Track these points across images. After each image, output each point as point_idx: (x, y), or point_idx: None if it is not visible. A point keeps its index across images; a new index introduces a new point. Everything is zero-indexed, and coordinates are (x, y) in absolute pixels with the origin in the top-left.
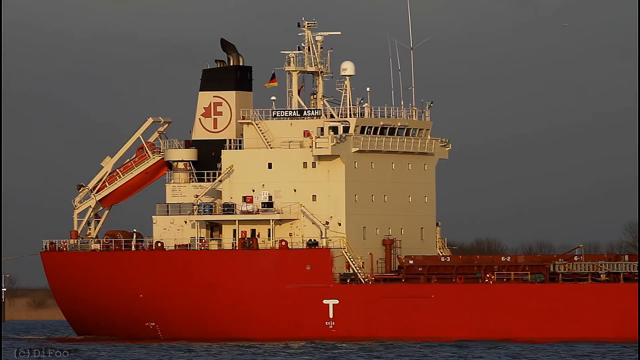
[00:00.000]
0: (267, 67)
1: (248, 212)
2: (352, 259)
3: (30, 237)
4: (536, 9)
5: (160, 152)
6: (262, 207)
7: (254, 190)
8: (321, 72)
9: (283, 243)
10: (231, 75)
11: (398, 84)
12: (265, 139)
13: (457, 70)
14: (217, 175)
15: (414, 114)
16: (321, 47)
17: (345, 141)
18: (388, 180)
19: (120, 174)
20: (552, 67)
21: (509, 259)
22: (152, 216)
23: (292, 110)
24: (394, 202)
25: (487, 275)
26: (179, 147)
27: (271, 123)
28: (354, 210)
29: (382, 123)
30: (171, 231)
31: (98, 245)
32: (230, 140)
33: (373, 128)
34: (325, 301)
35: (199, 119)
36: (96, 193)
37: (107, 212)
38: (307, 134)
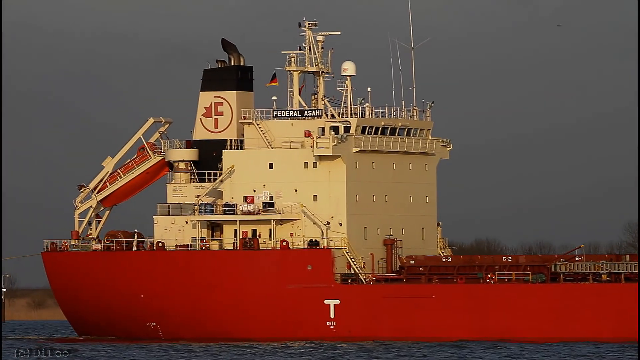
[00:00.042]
0: (268, 67)
1: (249, 212)
2: (353, 259)
3: (31, 237)
4: (536, 9)
5: (161, 152)
6: (263, 207)
7: (255, 191)
8: (322, 72)
9: (284, 243)
10: (232, 76)
11: (399, 84)
12: (266, 139)
13: (457, 70)
14: (218, 175)
15: (415, 114)
16: (322, 47)
17: (346, 141)
18: (389, 180)
19: (121, 174)
20: (552, 67)
21: (510, 259)
22: (153, 216)
23: (293, 111)
24: (395, 202)
25: (489, 276)
26: (180, 147)
27: (272, 123)
28: (355, 210)
29: (383, 123)
30: (172, 231)
31: (99, 245)
32: (231, 140)
33: (374, 128)
34: (326, 301)
35: (200, 119)
36: (97, 193)
37: (108, 212)
38: (308, 134)
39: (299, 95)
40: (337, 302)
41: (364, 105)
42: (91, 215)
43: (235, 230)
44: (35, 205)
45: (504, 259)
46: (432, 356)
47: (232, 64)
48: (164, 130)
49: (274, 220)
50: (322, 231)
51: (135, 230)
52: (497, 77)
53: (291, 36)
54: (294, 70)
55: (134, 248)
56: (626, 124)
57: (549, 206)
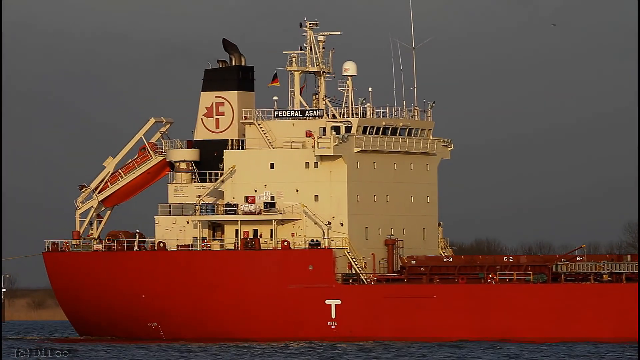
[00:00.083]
0: (269, 67)
1: (250, 213)
2: (354, 259)
3: (31, 237)
4: (536, 9)
5: (162, 152)
6: (264, 208)
7: (256, 191)
8: (323, 72)
9: (285, 243)
10: (233, 76)
11: (400, 84)
12: (268, 139)
13: (457, 70)
14: (219, 175)
15: (416, 114)
16: (323, 47)
17: (347, 141)
18: (390, 180)
19: (122, 174)
20: (552, 67)
21: (511, 259)
22: (154, 216)
23: (294, 111)
24: (396, 202)
25: (490, 276)
26: (181, 148)
27: (273, 123)
28: (356, 210)
29: (384, 123)
30: (173, 231)
31: (100, 245)
32: (232, 140)
33: (375, 128)
34: (327, 301)
35: (201, 119)
36: (98, 193)
37: (109, 212)
38: (309, 134)
39: (300, 95)
40: (339, 302)
41: (365, 105)
42: (92, 215)
43: (237, 231)
44: (36, 205)
45: (505, 259)
46: (431, 356)
47: (233, 64)
48: (165, 131)
49: (275, 220)
50: (323, 231)
51: (137, 231)
52: (497, 77)
53: (292, 36)
54: (295, 70)
55: (135, 248)
56: (626, 124)
57: (549, 206)
